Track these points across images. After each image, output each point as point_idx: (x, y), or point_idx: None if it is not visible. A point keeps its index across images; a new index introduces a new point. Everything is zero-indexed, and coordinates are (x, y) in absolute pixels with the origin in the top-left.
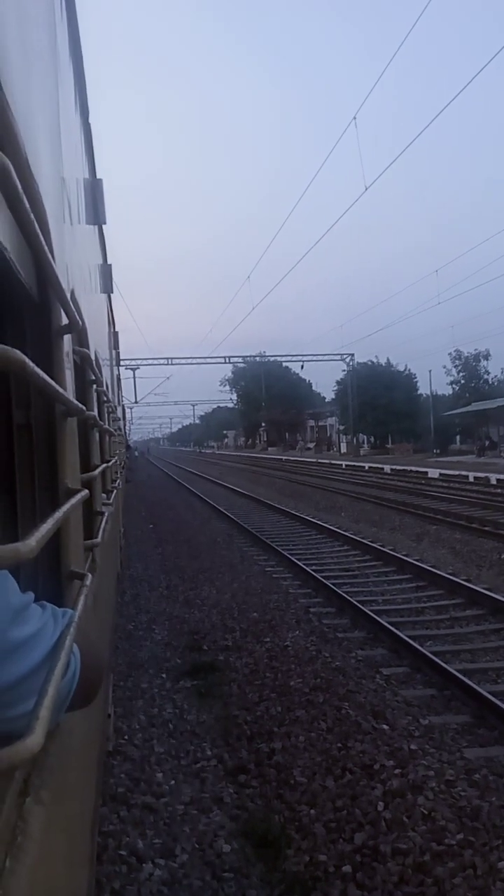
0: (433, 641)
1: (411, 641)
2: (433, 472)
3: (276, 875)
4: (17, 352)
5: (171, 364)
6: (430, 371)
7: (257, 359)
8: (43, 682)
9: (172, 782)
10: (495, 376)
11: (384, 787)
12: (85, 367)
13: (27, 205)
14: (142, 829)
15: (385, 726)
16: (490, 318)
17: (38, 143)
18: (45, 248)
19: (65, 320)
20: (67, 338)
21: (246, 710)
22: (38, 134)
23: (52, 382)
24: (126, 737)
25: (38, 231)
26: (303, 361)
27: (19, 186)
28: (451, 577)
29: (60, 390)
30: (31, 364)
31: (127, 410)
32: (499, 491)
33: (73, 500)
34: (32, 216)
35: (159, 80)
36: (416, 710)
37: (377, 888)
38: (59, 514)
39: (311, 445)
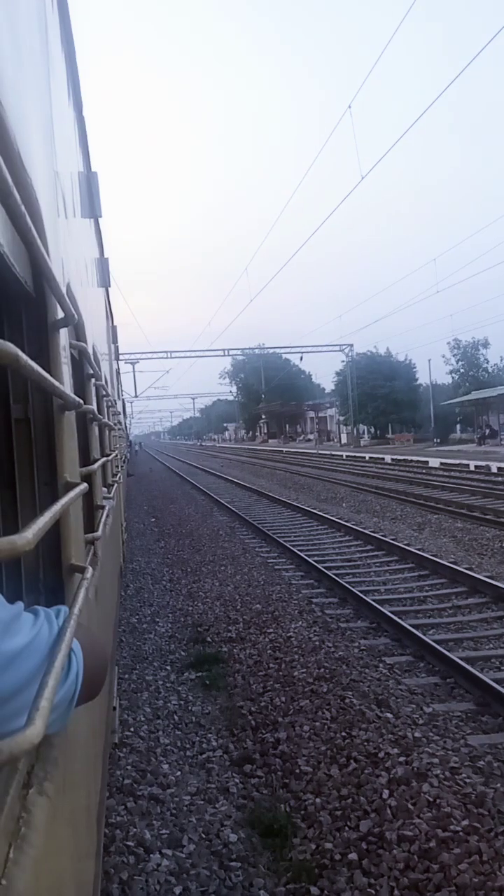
0: (436, 630)
1: (414, 630)
2: (434, 462)
3: (282, 863)
4: (10, 345)
5: (171, 357)
6: (429, 360)
7: (256, 351)
8: (43, 674)
9: (178, 773)
10: (494, 364)
11: (389, 774)
12: (83, 361)
13: (19, 198)
14: (149, 820)
15: (389, 715)
16: (489, 307)
17: (30, 137)
18: (39, 241)
19: (60, 314)
20: (64, 332)
21: (250, 701)
22: (31, 127)
23: (48, 376)
24: (132, 729)
25: (31, 225)
26: (302, 353)
27: (10, 180)
28: (452, 566)
29: (57, 384)
30: (25, 357)
31: (127, 404)
32: (500, 479)
33: (72, 494)
34: (24, 209)
35: (154, 71)
36: (419, 698)
37: (383, 875)
38: (56, 507)
39: (312, 437)
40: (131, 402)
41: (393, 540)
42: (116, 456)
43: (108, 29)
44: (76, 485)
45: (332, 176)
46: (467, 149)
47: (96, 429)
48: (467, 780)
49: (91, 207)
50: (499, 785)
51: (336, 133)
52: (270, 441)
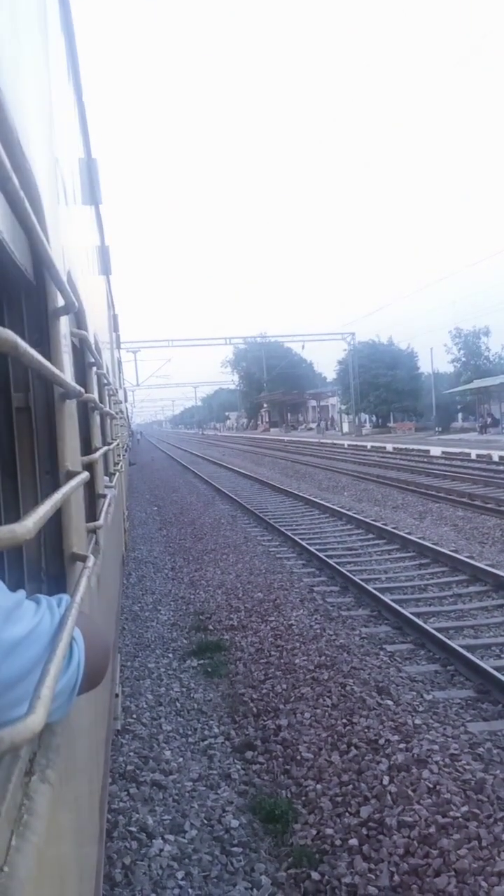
0: (436, 618)
1: (415, 618)
2: (435, 451)
3: (283, 849)
4: (10, 332)
5: (173, 346)
6: (431, 349)
7: (258, 340)
8: (45, 662)
9: (181, 759)
10: (496, 353)
11: (389, 761)
12: (84, 350)
13: (18, 185)
14: (151, 806)
15: (389, 702)
16: (490, 295)
17: (29, 123)
18: (39, 228)
19: (61, 302)
20: (65, 319)
21: (252, 688)
22: (30, 113)
23: (49, 364)
24: (134, 716)
25: (31, 212)
26: (304, 341)
27: (9, 166)
28: (453, 555)
29: (57, 372)
30: (24, 345)
31: (129, 393)
32: (501, 468)
33: (73, 483)
34: (23, 196)
35: (155, 56)
36: (420, 685)
37: (383, 860)
38: (57, 496)
39: (314, 425)
40: (133, 391)
41: (394, 528)
42: (118, 445)
43: (109, 11)
44: (77, 474)
45: (335, 164)
46: (472, 136)
47: (98, 417)
48: (467, 767)
49: (91, 194)
50: (498, 771)
51: (339, 120)
52: (272, 430)
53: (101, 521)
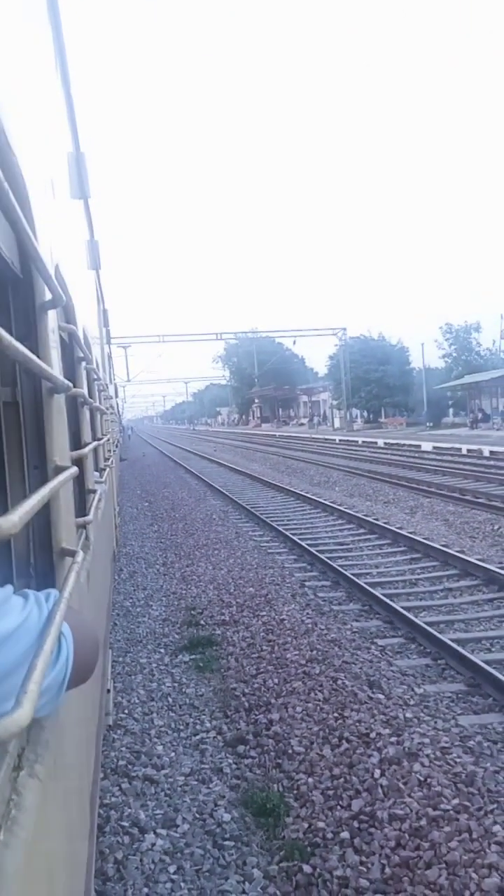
0: (427, 612)
1: (406, 612)
2: (426, 446)
3: (275, 842)
4: None
5: (163, 342)
6: (422, 344)
7: (249, 335)
8: (32, 657)
9: (172, 754)
10: (487, 349)
11: (380, 754)
12: (73, 344)
13: (3, 178)
14: (143, 801)
15: (381, 696)
16: (482, 291)
17: (15, 116)
18: (25, 222)
19: (49, 296)
20: (53, 314)
21: (244, 683)
22: (16, 106)
23: (36, 358)
24: (126, 711)
25: (16, 205)
26: (295, 337)
27: None
28: (444, 549)
29: (45, 367)
30: (9, 338)
31: (119, 389)
32: (492, 463)
33: (61, 477)
34: (8, 187)
35: (148, 44)
36: (411, 679)
37: (374, 853)
38: (44, 490)
39: (305, 421)
40: (123, 387)
41: (385, 523)
42: (109, 440)
43: (98, 2)
44: (66, 468)
45: (329, 160)
46: (470, 135)
47: (87, 412)
48: (458, 760)
49: (80, 189)
50: (489, 764)
51: (334, 113)
52: (263, 425)
53: (90, 517)
